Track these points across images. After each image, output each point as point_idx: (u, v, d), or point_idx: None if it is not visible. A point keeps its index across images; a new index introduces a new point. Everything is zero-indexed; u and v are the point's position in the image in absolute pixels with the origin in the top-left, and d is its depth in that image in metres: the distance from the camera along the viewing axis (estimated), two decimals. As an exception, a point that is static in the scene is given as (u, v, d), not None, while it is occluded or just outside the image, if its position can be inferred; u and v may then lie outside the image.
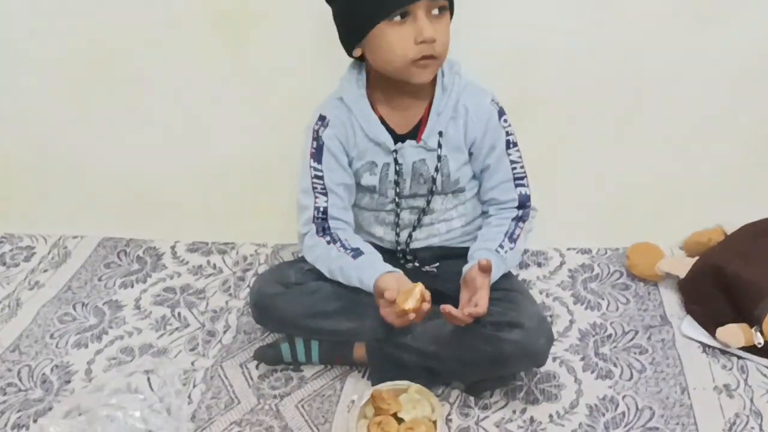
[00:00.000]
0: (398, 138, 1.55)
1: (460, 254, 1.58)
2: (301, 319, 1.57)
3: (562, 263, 1.95)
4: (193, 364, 1.69)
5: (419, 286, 1.39)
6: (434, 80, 1.52)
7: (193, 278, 1.93)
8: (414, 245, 1.65)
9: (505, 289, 1.57)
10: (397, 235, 1.64)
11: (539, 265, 1.94)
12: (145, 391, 1.54)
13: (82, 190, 2.06)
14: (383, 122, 1.55)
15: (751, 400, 1.50)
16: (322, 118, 1.57)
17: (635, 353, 1.64)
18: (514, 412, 1.53)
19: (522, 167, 1.58)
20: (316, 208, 1.55)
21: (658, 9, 1.68)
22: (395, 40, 1.40)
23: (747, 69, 1.74)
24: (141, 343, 1.74)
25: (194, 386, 1.63)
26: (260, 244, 2.04)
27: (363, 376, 1.59)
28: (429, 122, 1.54)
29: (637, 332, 1.70)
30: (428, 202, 1.58)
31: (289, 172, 1.70)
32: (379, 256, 1.55)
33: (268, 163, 1.91)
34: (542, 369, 1.60)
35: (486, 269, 1.43)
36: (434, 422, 1.47)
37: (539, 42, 1.72)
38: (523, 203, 1.58)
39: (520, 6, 1.70)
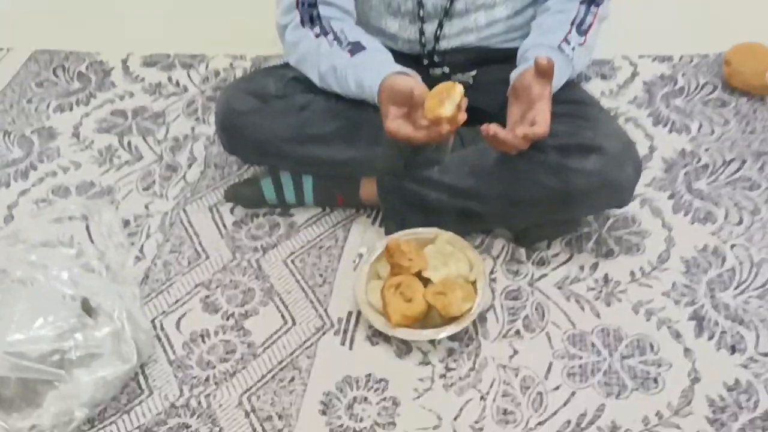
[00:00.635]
0: None
1: (505, 57, 1.17)
2: (287, 144, 1.14)
3: (633, 74, 1.47)
4: (147, 207, 1.28)
5: (459, 86, 0.94)
6: None
7: (149, 99, 1.54)
8: (442, 45, 1.18)
9: (574, 102, 1.13)
10: (421, 31, 1.16)
11: (603, 77, 1.47)
12: (77, 244, 1.13)
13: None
14: None
15: None
16: None
17: (744, 189, 1.21)
18: (582, 268, 1.12)
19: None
20: (302, -12, 1.06)
21: None
22: None
23: None
24: (79, 181, 1.35)
25: (148, 237, 1.23)
26: (237, 56, 1.63)
27: (373, 223, 1.22)
28: None
29: (744, 161, 1.26)
30: (462, -21, 1.09)
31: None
32: (387, 53, 1.10)
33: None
34: (619, 211, 1.17)
35: (546, 72, 0.99)
36: (473, 283, 1.06)
37: None
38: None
39: None
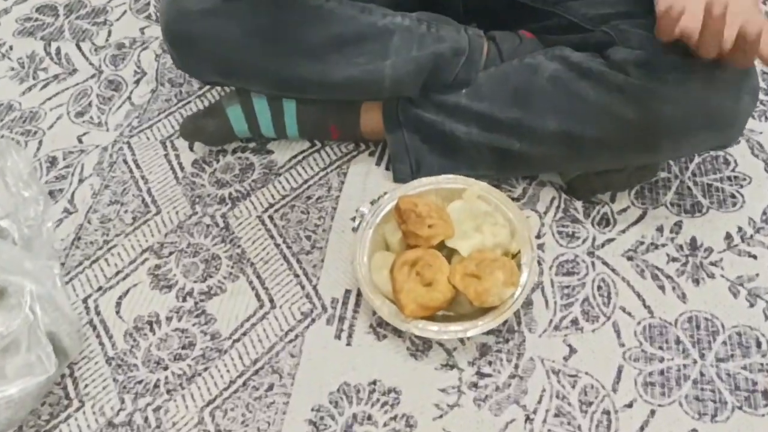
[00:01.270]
0: None
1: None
2: (259, 58, 0.83)
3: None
4: (80, 140, 0.97)
5: None
6: None
7: (86, -11, 1.14)
8: None
9: None
10: None
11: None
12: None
13: None
14: None
15: None
16: None
17: None
18: (659, 230, 0.84)
19: None
20: None
21: None
22: None
23: None
24: (-8, 103, 1.01)
25: (81, 182, 0.93)
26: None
27: (379, 163, 0.90)
28: None
29: None
30: None
31: None
32: None
33: None
34: (714, 153, 0.87)
35: None
36: (515, 256, 0.78)
37: None
38: None
39: None
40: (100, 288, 0.84)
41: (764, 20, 0.65)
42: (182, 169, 0.93)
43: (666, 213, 0.85)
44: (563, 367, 0.75)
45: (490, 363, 0.75)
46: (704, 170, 0.88)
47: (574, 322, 0.78)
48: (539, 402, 0.73)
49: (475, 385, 0.74)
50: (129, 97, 1.02)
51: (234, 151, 0.94)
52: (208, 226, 0.88)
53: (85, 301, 0.83)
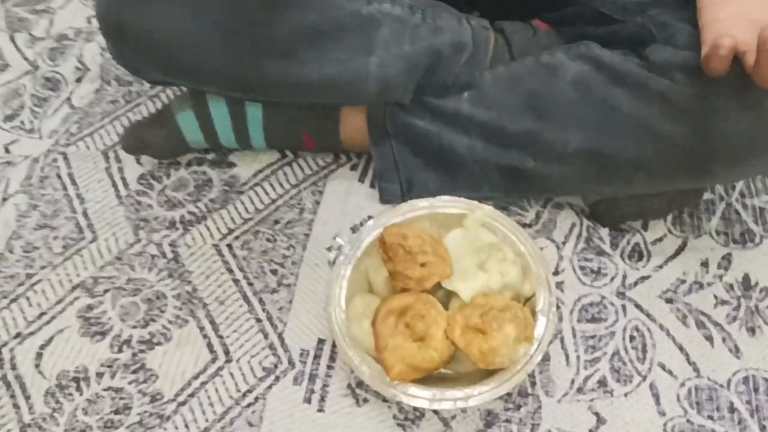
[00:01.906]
0: None
1: None
2: (215, 55, 0.67)
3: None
4: (7, 149, 0.82)
5: None
6: None
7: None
8: None
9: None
10: None
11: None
12: None
13: None
14: None
15: None
16: None
17: None
18: (704, 265, 0.68)
19: None
20: None
21: None
22: None
23: None
24: None
25: (4, 200, 0.77)
26: None
27: (362, 179, 0.73)
28: None
29: None
30: None
31: None
32: None
33: None
34: None
35: None
36: (528, 300, 0.63)
37: None
38: None
39: None
40: (18, 335, 0.68)
41: None
42: (126, 185, 0.77)
43: (711, 243, 0.70)
44: (589, 442, 0.60)
45: (497, 437, 0.60)
46: (755, 191, 0.73)
47: (602, 383, 0.62)
48: (560, 490, 0.58)
49: (478, 466, 0.59)
50: (68, 98, 0.86)
51: (189, 164, 0.79)
52: (153, 256, 0.72)
53: (-1, 350, 0.67)
